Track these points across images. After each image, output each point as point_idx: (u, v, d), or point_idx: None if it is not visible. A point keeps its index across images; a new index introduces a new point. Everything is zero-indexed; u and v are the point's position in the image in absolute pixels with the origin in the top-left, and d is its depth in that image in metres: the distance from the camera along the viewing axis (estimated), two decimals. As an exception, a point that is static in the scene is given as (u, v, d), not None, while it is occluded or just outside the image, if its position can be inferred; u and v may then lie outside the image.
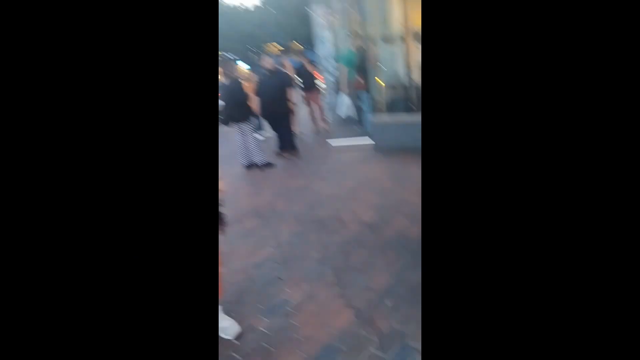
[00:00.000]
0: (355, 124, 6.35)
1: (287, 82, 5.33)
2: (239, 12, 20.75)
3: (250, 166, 5.03)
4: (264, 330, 1.85)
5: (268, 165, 4.97)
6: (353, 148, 5.24)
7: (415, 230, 2.63)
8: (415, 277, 2.10)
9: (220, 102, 4.95)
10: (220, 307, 1.81)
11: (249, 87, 5.07)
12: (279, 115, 5.39)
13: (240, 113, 4.97)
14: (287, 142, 5.54)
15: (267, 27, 24.48)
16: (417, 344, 1.62)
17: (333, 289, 2.12)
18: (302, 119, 7.15)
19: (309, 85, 6.81)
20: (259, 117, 5.70)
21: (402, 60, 4.71)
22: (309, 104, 6.88)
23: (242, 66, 5.18)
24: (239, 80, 5.14)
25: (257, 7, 27.58)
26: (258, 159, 4.99)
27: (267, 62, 5.45)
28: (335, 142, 5.63)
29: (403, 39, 4.60)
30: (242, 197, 3.94)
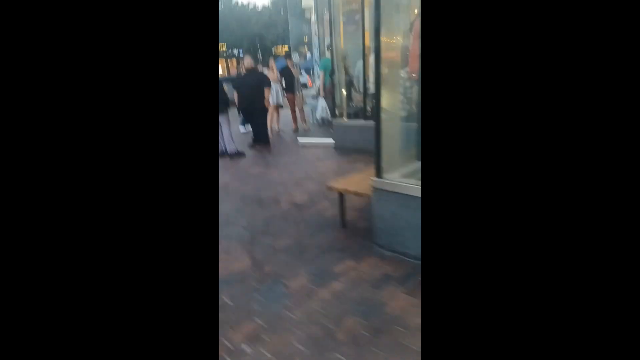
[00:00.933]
0: (329, 126, 6.92)
1: (264, 81, 5.90)
2: (248, 11, 21.44)
3: (223, 154, 5.58)
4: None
5: (238, 154, 5.52)
6: (317, 145, 5.81)
7: (332, 210, 3.17)
8: (311, 241, 2.65)
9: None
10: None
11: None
12: (254, 110, 5.96)
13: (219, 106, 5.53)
14: (260, 136, 6.11)
15: (273, 28, 25.11)
16: (287, 283, 2.16)
17: (244, 246, 2.66)
18: (284, 117, 7.74)
19: (290, 87, 7.36)
20: (239, 112, 6.29)
21: (363, 71, 5.28)
22: (290, 104, 7.44)
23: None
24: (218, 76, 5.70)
25: (265, 8, 28.28)
26: (230, 148, 5.54)
27: (247, 61, 6.04)
28: (302, 140, 6.20)
29: (366, 54, 5.16)
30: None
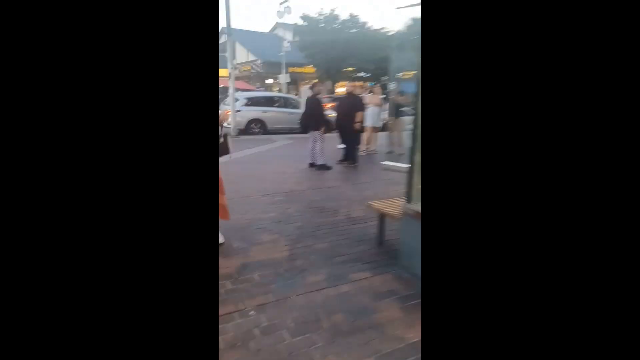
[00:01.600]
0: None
1: (357, 105, 6.42)
2: (378, 35, 22.45)
3: (312, 165, 6.23)
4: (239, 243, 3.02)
5: (324, 167, 6.11)
6: (397, 169, 6.01)
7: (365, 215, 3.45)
8: (345, 250, 2.99)
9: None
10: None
11: (326, 104, 6.33)
12: (346, 130, 6.50)
13: (314, 123, 6.22)
14: (348, 154, 6.61)
15: (402, 52, 25.54)
16: (306, 277, 2.56)
17: (290, 241, 3.15)
18: (383, 140, 8.14)
19: (394, 113, 7.73)
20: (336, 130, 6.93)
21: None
22: (391, 129, 7.81)
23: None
24: (319, 97, 6.42)
25: (398, 32, 28.89)
26: (319, 161, 6.17)
27: (347, 85, 6.65)
28: (385, 163, 6.48)
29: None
30: (286, 183, 5.18)
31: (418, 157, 2.62)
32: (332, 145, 7.73)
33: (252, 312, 2.15)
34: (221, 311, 2.12)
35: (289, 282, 2.50)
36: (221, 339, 1.89)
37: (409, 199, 2.64)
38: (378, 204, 3.10)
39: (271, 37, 26.73)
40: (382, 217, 3.09)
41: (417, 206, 2.58)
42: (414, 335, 1.98)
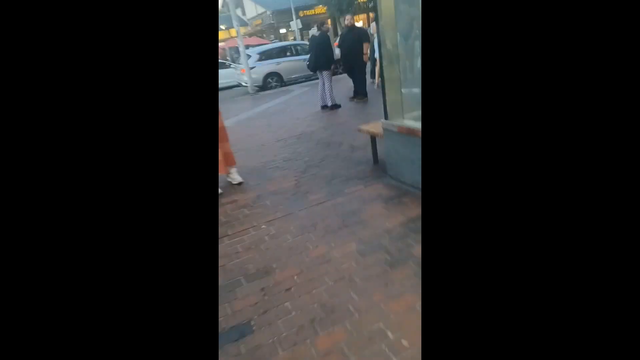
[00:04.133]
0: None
1: (362, 36, 6.46)
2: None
3: (324, 107, 6.54)
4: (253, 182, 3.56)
5: (335, 106, 6.40)
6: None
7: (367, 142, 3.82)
8: (345, 172, 3.43)
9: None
10: (234, 168, 3.57)
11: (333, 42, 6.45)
12: (354, 65, 6.63)
13: (323, 62, 6.40)
14: (359, 89, 6.79)
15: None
16: (309, 197, 3.06)
17: (297, 174, 3.64)
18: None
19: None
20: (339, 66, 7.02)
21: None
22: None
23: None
24: (327, 34, 6.52)
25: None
26: (329, 101, 6.45)
27: (347, 19, 6.66)
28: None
29: None
30: (299, 127, 5.59)
31: (389, 74, 2.90)
32: (343, 83, 7.91)
33: (263, 226, 2.70)
34: (239, 229, 2.69)
35: (294, 202, 3.01)
36: (239, 246, 2.47)
37: (385, 116, 2.97)
38: (366, 127, 3.46)
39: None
40: (372, 138, 3.45)
41: (395, 121, 2.91)
42: (390, 224, 2.43)
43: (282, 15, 22.62)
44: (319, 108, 6.59)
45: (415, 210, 2.54)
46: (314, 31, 6.90)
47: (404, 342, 1.51)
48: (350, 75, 6.91)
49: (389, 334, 1.57)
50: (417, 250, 2.10)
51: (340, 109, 6.33)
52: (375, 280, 1.92)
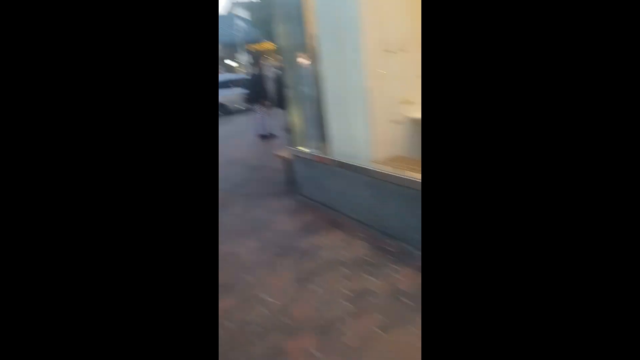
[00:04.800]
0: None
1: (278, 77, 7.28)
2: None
3: (260, 136, 7.20)
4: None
5: (271, 136, 7.09)
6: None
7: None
8: (257, 190, 4.07)
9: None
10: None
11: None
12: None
13: (259, 97, 7.14)
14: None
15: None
16: (227, 207, 3.64)
17: (222, 194, 4.21)
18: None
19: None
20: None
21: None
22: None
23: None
24: (262, 73, 7.29)
25: None
26: (264, 131, 7.14)
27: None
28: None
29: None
30: (235, 153, 6.21)
31: (295, 114, 3.64)
32: (280, 115, 8.64)
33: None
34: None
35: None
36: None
37: (293, 144, 3.68)
38: (281, 152, 4.16)
39: (228, 18, 26.75)
40: (286, 161, 4.14)
41: (300, 148, 3.63)
42: (292, 225, 3.09)
43: (231, 48, 23.49)
44: (256, 137, 7.25)
45: (311, 216, 3.22)
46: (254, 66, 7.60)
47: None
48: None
49: (267, 297, 2.18)
50: (304, 244, 2.75)
51: (275, 139, 7.03)
52: (266, 265, 2.54)
